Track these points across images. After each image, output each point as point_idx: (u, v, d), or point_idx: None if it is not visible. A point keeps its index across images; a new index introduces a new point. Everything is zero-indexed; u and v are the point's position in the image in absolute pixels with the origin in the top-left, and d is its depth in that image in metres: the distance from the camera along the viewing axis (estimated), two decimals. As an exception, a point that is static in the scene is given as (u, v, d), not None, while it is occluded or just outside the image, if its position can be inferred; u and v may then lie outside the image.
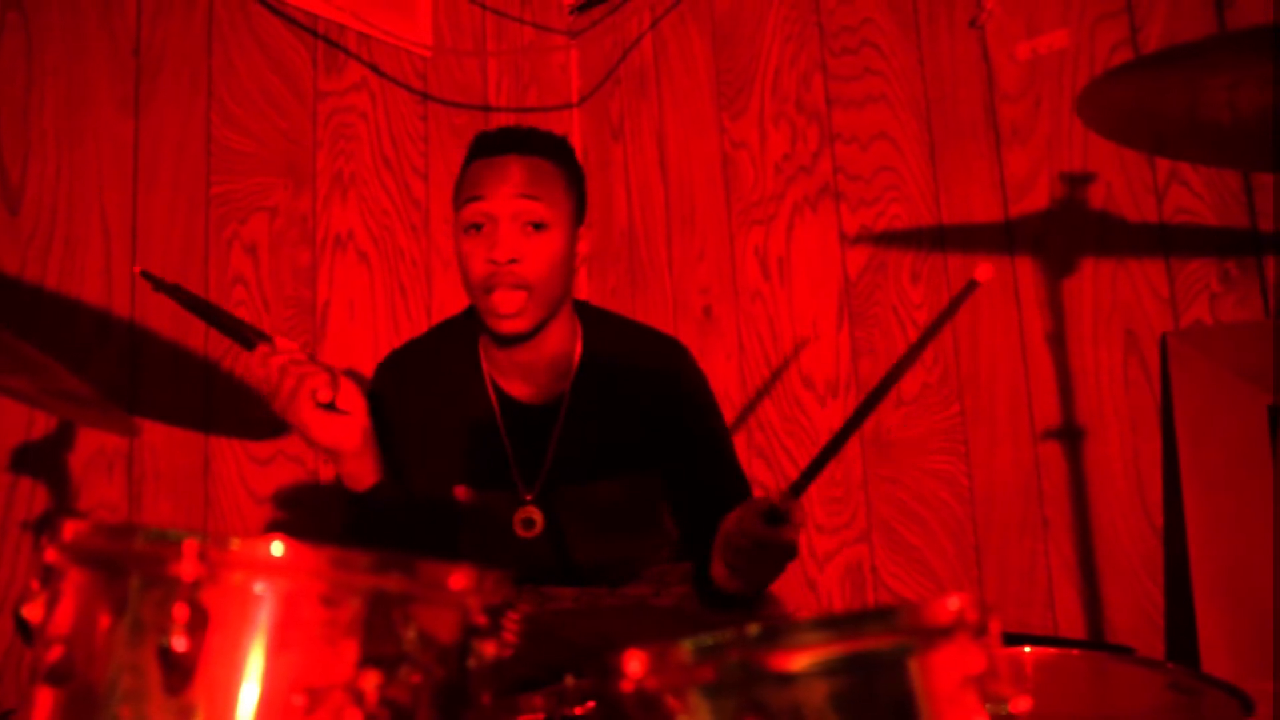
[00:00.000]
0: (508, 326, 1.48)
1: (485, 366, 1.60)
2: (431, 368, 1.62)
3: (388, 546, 0.65)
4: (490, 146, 1.51)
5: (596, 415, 1.57)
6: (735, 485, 1.62)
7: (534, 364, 1.56)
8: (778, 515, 1.25)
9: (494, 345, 1.56)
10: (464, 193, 1.50)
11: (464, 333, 1.63)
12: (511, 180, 1.46)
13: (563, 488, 1.56)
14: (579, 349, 1.60)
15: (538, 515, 1.54)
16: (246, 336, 1.30)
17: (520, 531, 1.54)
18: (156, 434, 1.82)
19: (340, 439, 1.30)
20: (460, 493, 1.56)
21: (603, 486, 1.57)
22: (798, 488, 1.23)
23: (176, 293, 1.27)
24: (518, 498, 1.55)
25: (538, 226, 1.47)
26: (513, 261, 1.45)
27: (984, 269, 1.08)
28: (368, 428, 1.33)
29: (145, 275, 1.25)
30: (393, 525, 1.38)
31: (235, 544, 0.62)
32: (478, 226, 1.47)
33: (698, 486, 1.60)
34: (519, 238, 1.46)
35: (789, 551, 1.30)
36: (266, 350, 1.28)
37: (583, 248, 1.57)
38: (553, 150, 1.54)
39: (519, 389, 1.59)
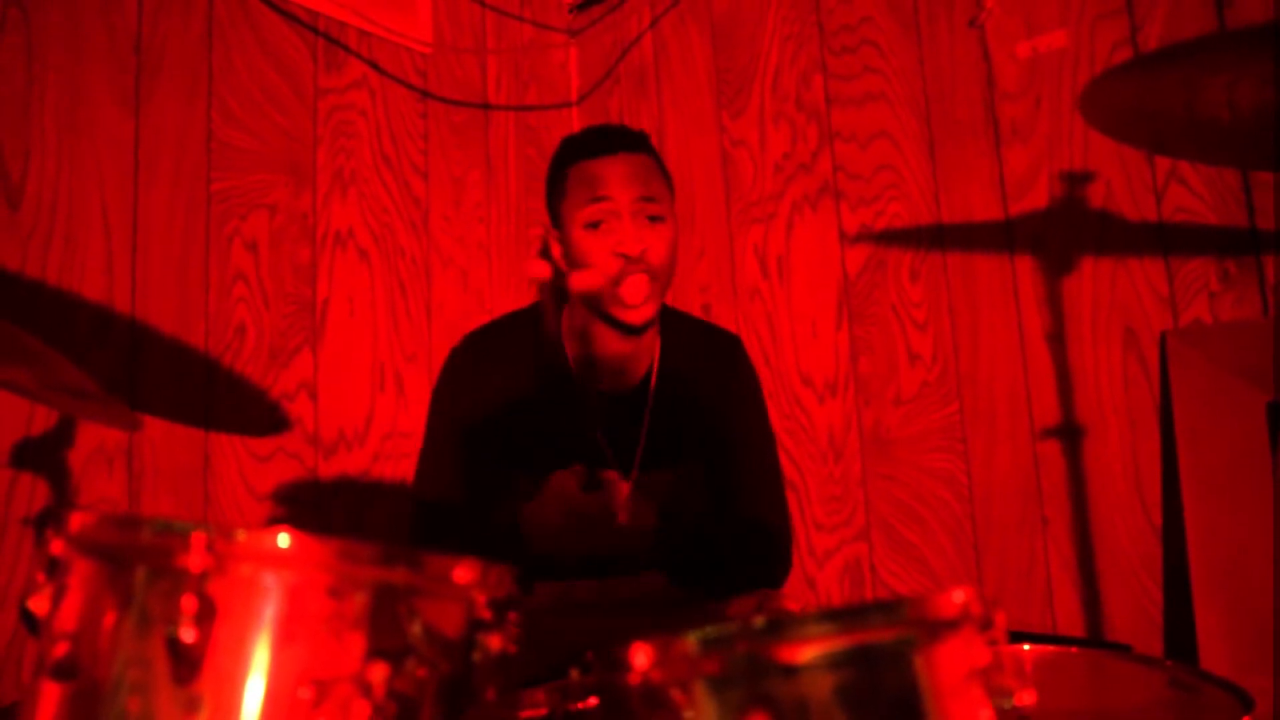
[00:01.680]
0: (637, 316, 1.54)
1: (571, 356, 1.64)
2: (513, 357, 1.66)
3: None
4: (596, 147, 1.57)
5: (676, 405, 1.64)
6: (768, 480, 1.69)
7: (633, 354, 1.62)
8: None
9: (599, 335, 1.60)
10: (580, 193, 1.54)
11: (544, 322, 1.68)
12: (633, 178, 1.53)
13: (653, 473, 1.61)
14: (659, 341, 1.68)
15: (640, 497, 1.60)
16: None
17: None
18: (156, 430, 1.82)
19: None
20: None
21: (678, 471, 1.64)
22: None
23: None
24: (622, 480, 1.61)
25: (655, 219, 1.54)
26: (644, 253, 1.51)
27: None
28: None
29: None
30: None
31: (242, 536, 0.62)
32: (597, 224, 1.53)
33: (733, 475, 1.65)
34: (644, 230, 1.53)
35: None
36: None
37: None
38: (648, 146, 1.61)
39: (604, 379, 1.64)
